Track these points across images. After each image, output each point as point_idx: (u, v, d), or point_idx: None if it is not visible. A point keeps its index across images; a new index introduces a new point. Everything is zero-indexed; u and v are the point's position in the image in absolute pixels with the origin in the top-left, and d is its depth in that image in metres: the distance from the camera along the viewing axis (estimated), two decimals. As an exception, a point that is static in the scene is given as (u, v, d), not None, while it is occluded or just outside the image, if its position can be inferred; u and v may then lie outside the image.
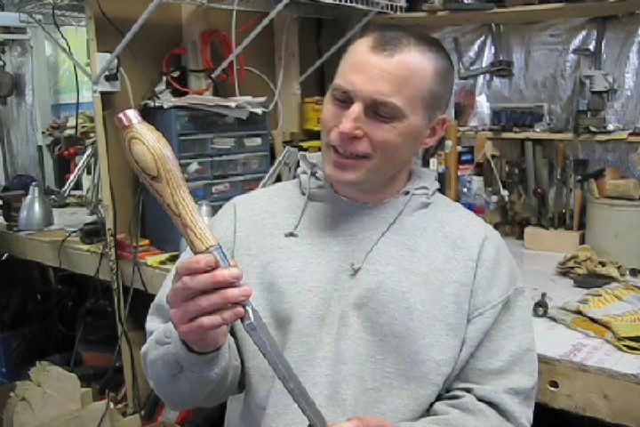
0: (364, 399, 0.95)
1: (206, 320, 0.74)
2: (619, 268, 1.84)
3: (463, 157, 2.29)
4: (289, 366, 0.79)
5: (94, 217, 2.50)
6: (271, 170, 2.14)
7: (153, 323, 1.06)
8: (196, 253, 0.74)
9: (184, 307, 0.75)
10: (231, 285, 0.73)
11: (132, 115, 0.71)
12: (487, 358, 0.99)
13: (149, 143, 0.70)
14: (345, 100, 0.95)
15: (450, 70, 1.00)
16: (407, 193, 1.05)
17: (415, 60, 0.93)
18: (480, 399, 0.97)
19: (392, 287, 0.97)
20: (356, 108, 0.92)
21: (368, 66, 0.93)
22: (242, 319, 0.75)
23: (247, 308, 0.74)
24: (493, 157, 2.32)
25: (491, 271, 1.01)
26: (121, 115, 0.71)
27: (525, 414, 1.00)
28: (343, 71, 0.96)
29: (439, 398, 1.00)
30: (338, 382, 0.94)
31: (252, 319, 0.74)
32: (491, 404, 0.97)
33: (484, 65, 2.57)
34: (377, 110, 0.93)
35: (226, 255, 0.74)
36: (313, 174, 1.08)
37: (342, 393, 0.94)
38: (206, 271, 0.72)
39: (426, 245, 1.01)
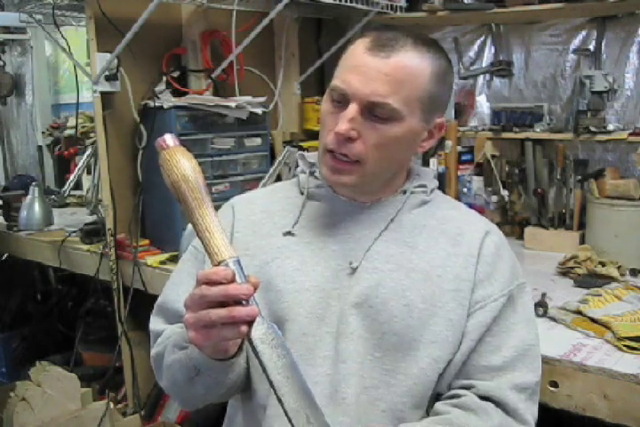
0: (365, 398, 0.95)
1: (214, 332, 0.78)
2: (619, 268, 1.83)
3: (463, 157, 2.28)
4: (299, 387, 0.76)
5: (94, 217, 2.50)
6: (271, 170, 2.14)
7: (157, 324, 1.07)
8: (214, 264, 0.78)
9: (198, 315, 0.78)
10: (241, 300, 0.76)
11: (169, 139, 0.82)
12: (490, 354, 0.98)
13: (179, 164, 0.81)
14: (342, 102, 0.95)
15: (448, 71, 0.99)
16: (405, 192, 1.05)
17: (412, 62, 0.93)
18: (483, 396, 0.96)
19: (391, 285, 0.97)
20: (352, 108, 0.92)
21: (365, 67, 0.92)
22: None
23: (257, 325, 0.77)
24: (493, 157, 2.32)
25: (491, 266, 1.01)
26: (160, 138, 0.82)
27: (530, 409, 0.99)
28: (340, 72, 0.96)
29: (438, 397, 1.00)
30: (338, 381, 0.94)
31: (253, 335, 0.77)
32: (494, 401, 0.96)
33: (484, 65, 2.57)
34: (373, 112, 0.93)
35: (243, 269, 0.78)
36: (311, 174, 1.08)
37: (342, 392, 0.94)
38: (221, 283, 0.76)
39: (425, 242, 1.01)
